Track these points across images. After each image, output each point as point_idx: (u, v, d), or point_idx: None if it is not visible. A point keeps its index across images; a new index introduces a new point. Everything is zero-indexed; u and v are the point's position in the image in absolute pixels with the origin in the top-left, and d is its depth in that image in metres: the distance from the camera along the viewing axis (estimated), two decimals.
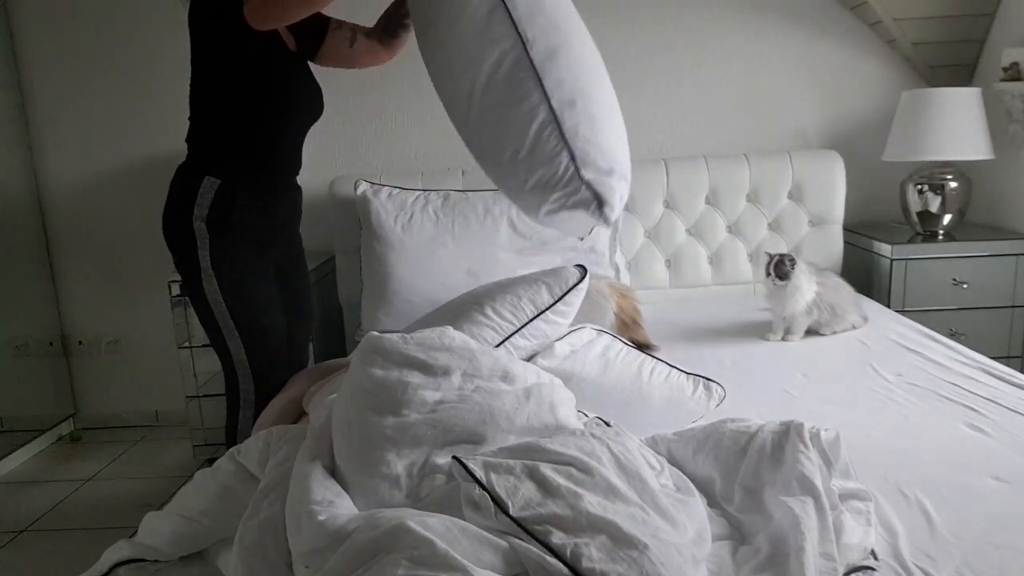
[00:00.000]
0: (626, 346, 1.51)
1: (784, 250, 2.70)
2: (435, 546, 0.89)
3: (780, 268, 2.16)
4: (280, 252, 1.99)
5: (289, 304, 2.01)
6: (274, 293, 1.94)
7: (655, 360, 1.50)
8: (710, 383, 1.51)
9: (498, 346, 1.39)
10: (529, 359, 1.44)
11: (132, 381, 3.23)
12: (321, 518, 1.00)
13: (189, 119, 1.87)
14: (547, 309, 1.43)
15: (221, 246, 1.84)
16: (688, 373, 1.51)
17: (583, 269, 1.50)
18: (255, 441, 1.32)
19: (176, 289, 2.64)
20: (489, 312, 1.42)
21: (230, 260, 1.86)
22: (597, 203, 1.33)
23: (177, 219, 1.85)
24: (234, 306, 1.87)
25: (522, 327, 1.41)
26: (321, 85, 1.96)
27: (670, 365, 1.51)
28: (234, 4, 1.66)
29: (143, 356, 3.20)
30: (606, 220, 1.35)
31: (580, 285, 1.46)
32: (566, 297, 1.45)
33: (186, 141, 1.88)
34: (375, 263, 2.49)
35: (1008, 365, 1.95)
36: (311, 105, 1.97)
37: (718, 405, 1.51)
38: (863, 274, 2.80)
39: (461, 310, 1.47)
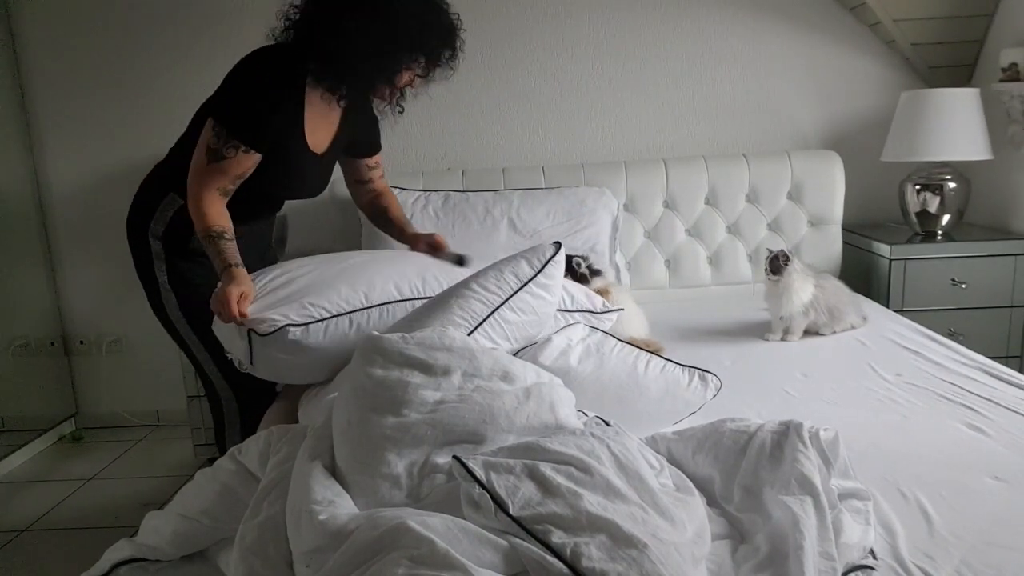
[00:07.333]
0: (620, 342, 1.52)
1: (784, 248, 2.70)
2: (435, 545, 0.89)
3: (774, 263, 2.17)
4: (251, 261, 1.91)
5: None
6: None
7: (649, 355, 1.51)
8: (706, 374, 1.51)
9: (488, 317, 1.43)
10: (518, 352, 1.45)
11: (133, 381, 3.23)
12: (322, 518, 1.00)
13: (186, 130, 1.81)
14: (530, 281, 1.47)
15: (176, 265, 1.78)
16: (683, 365, 1.52)
17: (558, 244, 1.55)
18: (255, 441, 1.32)
19: None
20: (475, 287, 1.46)
21: (187, 278, 1.79)
22: None
23: (134, 230, 1.81)
24: (195, 322, 1.80)
25: (508, 299, 1.45)
26: None
27: (665, 358, 1.51)
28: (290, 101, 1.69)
29: (144, 356, 3.20)
30: None
31: (556, 257, 1.52)
32: (546, 269, 1.49)
33: (171, 148, 1.83)
34: None
35: (1007, 365, 1.96)
36: (304, 192, 1.92)
37: (715, 396, 1.51)
38: (862, 274, 2.80)
39: (448, 292, 1.50)
